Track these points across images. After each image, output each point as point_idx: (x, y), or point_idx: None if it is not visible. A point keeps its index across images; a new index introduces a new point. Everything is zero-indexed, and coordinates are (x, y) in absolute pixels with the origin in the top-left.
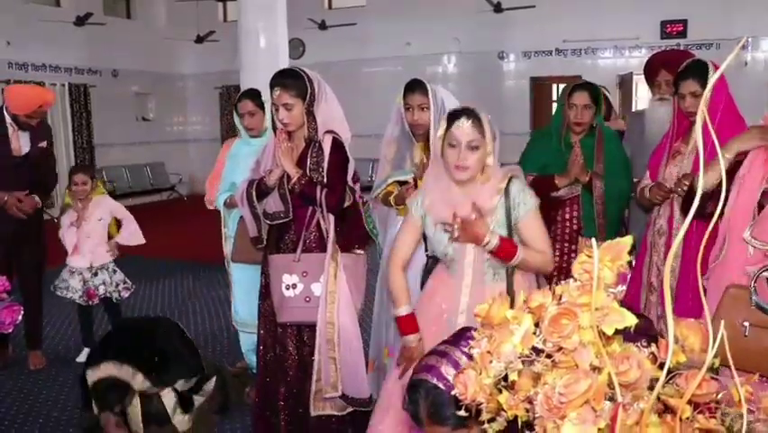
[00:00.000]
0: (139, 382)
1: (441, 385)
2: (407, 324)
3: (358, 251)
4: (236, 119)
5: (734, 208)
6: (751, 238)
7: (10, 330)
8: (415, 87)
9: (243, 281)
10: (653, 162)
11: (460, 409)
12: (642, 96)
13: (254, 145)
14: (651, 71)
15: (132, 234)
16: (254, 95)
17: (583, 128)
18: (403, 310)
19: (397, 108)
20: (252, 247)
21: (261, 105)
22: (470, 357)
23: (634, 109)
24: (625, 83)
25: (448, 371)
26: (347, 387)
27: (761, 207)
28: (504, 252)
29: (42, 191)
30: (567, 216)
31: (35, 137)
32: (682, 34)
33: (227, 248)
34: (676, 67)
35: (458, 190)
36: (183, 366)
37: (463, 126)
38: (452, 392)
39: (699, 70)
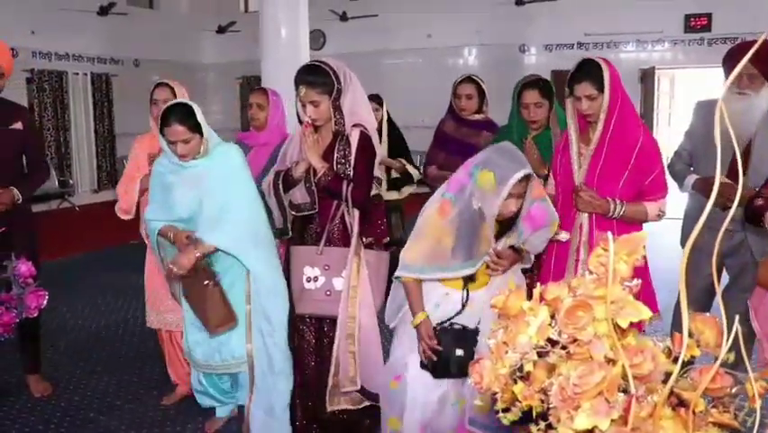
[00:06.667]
0: None
1: None
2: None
3: (376, 248)
4: (162, 141)
5: None
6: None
7: (35, 315)
8: None
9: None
10: (562, 164)
11: None
12: (664, 90)
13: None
14: (732, 61)
15: None
16: (184, 116)
17: (539, 125)
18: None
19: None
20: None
21: (197, 127)
22: None
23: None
24: (647, 77)
25: None
26: (365, 381)
27: None
28: None
29: (26, 184)
30: None
31: None
32: (706, 28)
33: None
34: (762, 58)
35: None
36: None
37: None
38: None
39: (593, 72)
